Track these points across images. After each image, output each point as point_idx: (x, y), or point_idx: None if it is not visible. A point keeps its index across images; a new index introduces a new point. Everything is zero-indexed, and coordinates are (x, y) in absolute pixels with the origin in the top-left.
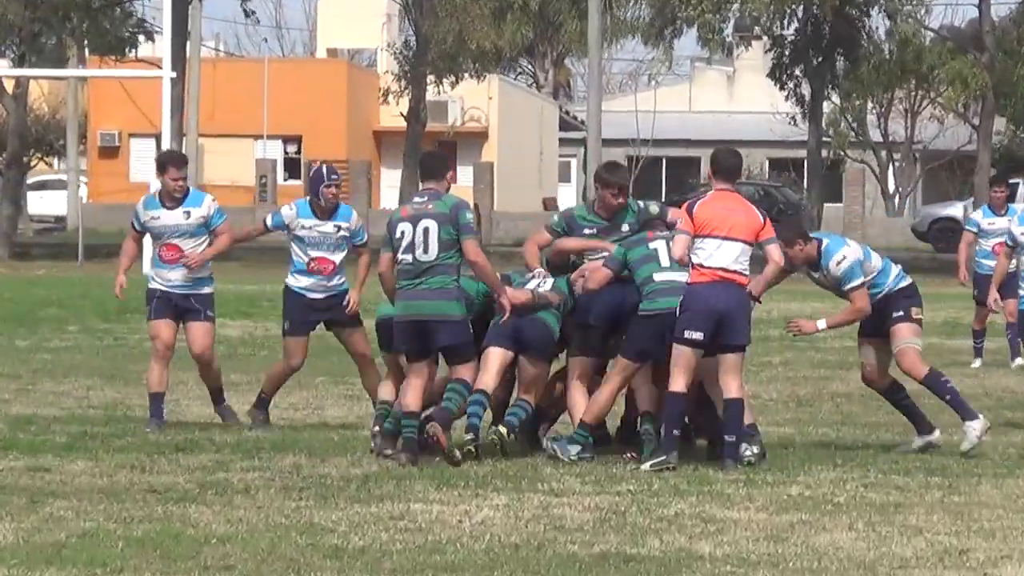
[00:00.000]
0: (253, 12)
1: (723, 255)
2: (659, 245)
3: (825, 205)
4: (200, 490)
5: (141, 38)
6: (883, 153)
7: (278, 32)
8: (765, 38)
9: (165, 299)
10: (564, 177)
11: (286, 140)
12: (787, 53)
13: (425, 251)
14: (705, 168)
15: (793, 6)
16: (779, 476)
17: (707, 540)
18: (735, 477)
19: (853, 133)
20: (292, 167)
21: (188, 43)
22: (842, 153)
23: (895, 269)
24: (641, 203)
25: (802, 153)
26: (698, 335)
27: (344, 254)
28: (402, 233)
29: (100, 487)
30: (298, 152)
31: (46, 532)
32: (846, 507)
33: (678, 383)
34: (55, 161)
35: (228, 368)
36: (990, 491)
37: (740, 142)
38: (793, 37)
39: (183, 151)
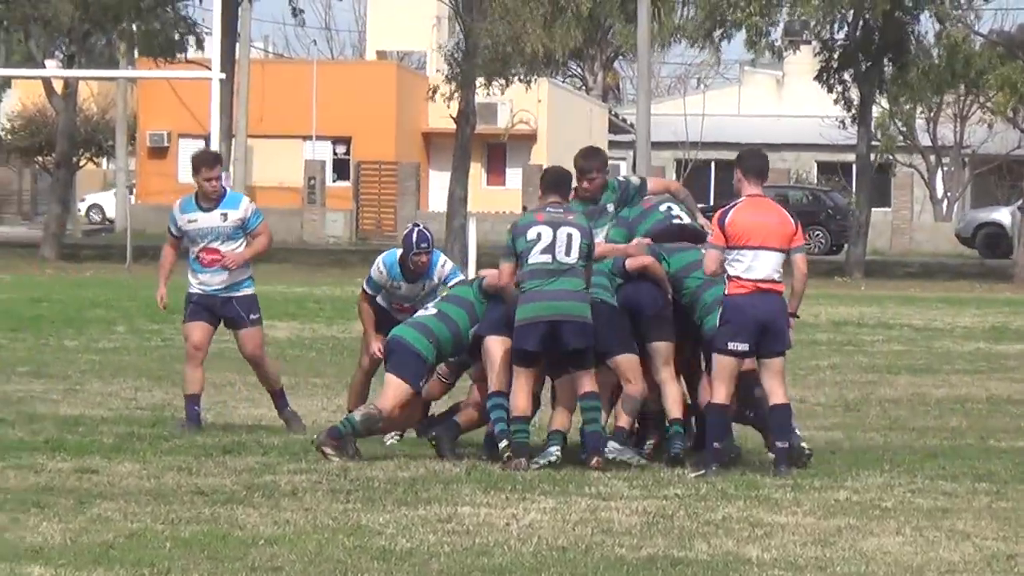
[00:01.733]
0: (302, 11)
1: (761, 266)
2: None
3: (873, 209)
4: (247, 492)
5: (190, 40)
6: (932, 157)
7: (327, 34)
8: (814, 42)
9: (203, 303)
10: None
11: (335, 141)
12: (836, 57)
13: (567, 254)
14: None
15: (843, 11)
16: (827, 481)
17: (755, 544)
18: (783, 482)
19: (902, 137)
20: (341, 168)
21: (237, 44)
22: (891, 157)
23: None
24: (620, 178)
25: (851, 157)
26: (743, 347)
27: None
28: (538, 235)
29: (147, 488)
30: (347, 153)
31: (93, 533)
32: (894, 512)
33: (720, 395)
34: (104, 161)
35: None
36: None
37: (789, 146)
38: (843, 41)
39: (232, 152)
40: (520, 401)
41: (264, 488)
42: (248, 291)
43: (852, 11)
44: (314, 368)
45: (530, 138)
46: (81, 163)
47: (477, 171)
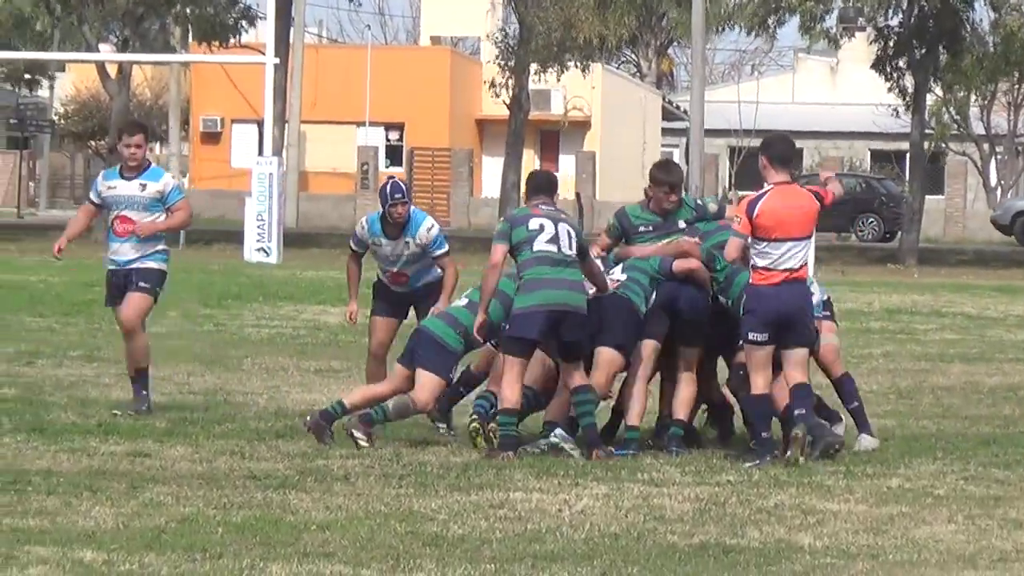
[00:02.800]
0: None
1: (792, 257)
2: None
3: (927, 198)
4: (300, 477)
5: (244, 24)
6: (985, 146)
7: (381, 19)
8: (869, 29)
9: (117, 284)
10: None
11: (388, 127)
12: (891, 45)
13: (569, 247)
14: (808, 159)
15: None
16: (879, 468)
17: (807, 532)
18: (835, 469)
19: (955, 125)
20: (394, 154)
21: (291, 29)
22: (944, 145)
23: None
24: (699, 199)
25: (904, 145)
26: (762, 337)
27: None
28: (540, 226)
29: (200, 473)
30: (400, 140)
31: (146, 517)
32: (946, 500)
33: (758, 385)
34: (157, 146)
35: (328, 355)
36: None
37: (842, 133)
38: (897, 28)
39: (285, 138)
40: (510, 393)
41: (316, 473)
42: (153, 264)
43: None
44: (366, 354)
45: (583, 125)
46: None
47: (530, 157)
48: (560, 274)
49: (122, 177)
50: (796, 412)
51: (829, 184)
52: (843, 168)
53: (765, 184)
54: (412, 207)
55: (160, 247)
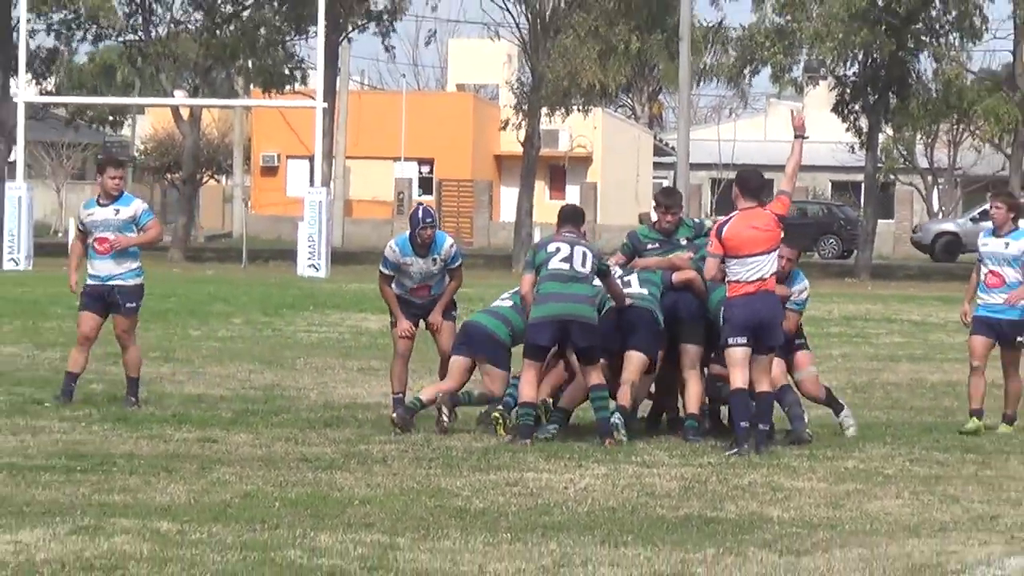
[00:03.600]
0: (393, 47)
1: (759, 269)
2: None
3: (879, 221)
4: (344, 459)
5: (298, 74)
6: (929, 177)
7: (414, 69)
8: (830, 78)
9: (94, 294)
10: None
11: (420, 162)
12: (848, 91)
13: (583, 265)
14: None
15: (854, 51)
16: (837, 452)
17: (776, 506)
18: (800, 452)
19: (903, 160)
20: (425, 185)
21: (338, 78)
22: (893, 177)
23: None
24: (696, 219)
25: (860, 177)
26: (742, 340)
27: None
28: (557, 248)
29: (259, 456)
30: (431, 172)
31: (213, 493)
32: (894, 478)
33: (738, 381)
34: (223, 179)
35: (369, 356)
36: (1018, 466)
37: (807, 167)
38: (853, 77)
39: (332, 171)
40: (527, 390)
41: (359, 456)
42: (132, 281)
43: (862, 51)
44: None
45: (586, 160)
46: (204, 180)
47: (541, 188)
48: (568, 289)
49: (99, 205)
50: (760, 426)
51: (796, 127)
52: (807, 196)
53: (736, 209)
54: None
55: (135, 265)
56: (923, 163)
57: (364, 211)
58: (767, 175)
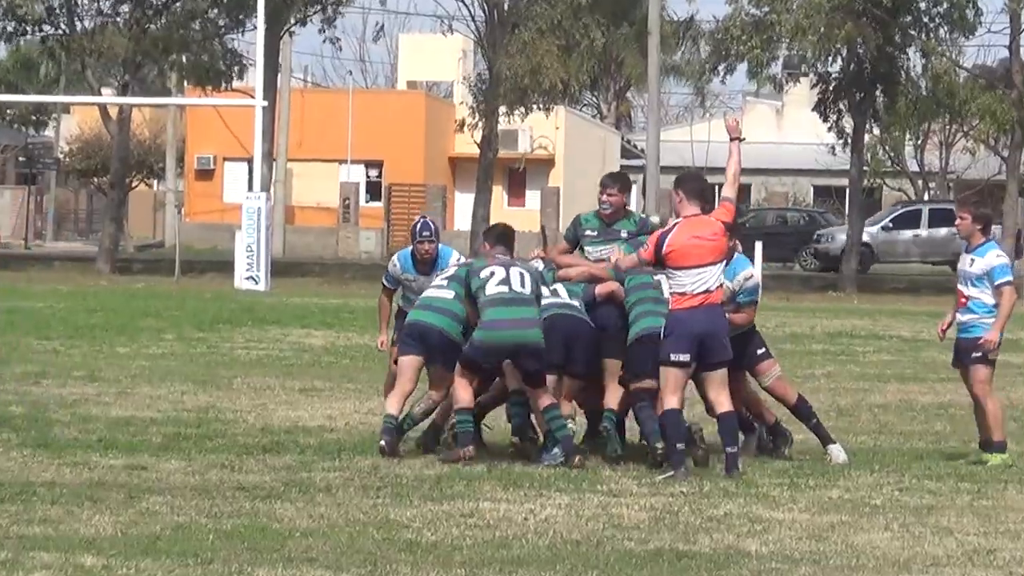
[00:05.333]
0: (338, 40)
1: (705, 281)
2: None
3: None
4: (285, 488)
5: (236, 70)
6: (919, 182)
7: (362, 65)
8: (811, 74)
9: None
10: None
11: (368, 165)
12: (831, 89)
13: (522, 285)
14: (756, 194)
15: (838, 45)
16: (821, 480)
17: (754, 539)
18: (779, 480)
19: (891, 162)
20: (373, 190)
21: (279, 75)
22: (880, 181)
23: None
24: (643, 215)
25: (844, 181)
26: (685, 357)
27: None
28: (491, 273)
29: (192, 484)
30: (379, 176)
31: (142, 525)
32: (883, 509)
33: (672, 401)
34: (155, 183)
35: (312, 375)
36: (1015, 496)
37: (788, 170)
38: (837, 74)
39: (273, 175)
40: (464, 393)
41: (300, 484)
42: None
43: (846, 46)
44: (347, 374)
45: (548, 162)
46: (133, 184)
47: (499, 193)
48: (515, 314)
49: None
50: (727, 450)
51: (730, 129)
52: (788, 202)
53: (678, 216)
54: (440, 244)
55: None
56: (913, 166)
57: (307, 218)
58: (744, 179)
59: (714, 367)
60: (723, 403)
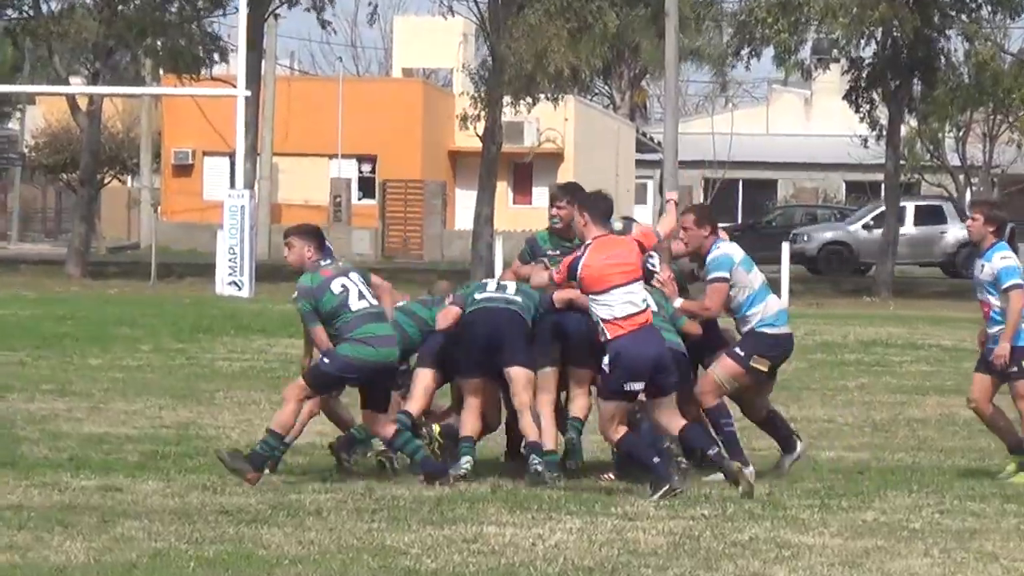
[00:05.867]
0: (329, 23)
1: (628, 302)
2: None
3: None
4: (272, 511)
5: (215, 56)
6: (961, 177)
7: (353, 51)
8: (843, 60)
9: None
10: (640, 199)
11: (361, 159)
12: (864, 76)
13: (373, 296)
14: (783, 191)
15: (871, 28)
16: (854, 501)
17: (781, 565)
18: (810, 502)
19: (930, 156)
20: (366, 187)
21: (263, 61)
22: (918, 176)
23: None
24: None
25: (879, 176)
26: (639, 386)
27: None
28: (343, 287)
29: (171, 507)
30: (373, 172)
31: (117, 552)
32: (922, 533)
33: (620, 431)
34: (128, 179)
35: None
36: None
37: (817, 165)
38: (870, 60)
39: (257, 171)
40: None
41: (288, 508)
42: None
43: (880, 28)
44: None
45: (557, 157)
46: (105, 181)
47: (503, 189)
48: (383, 329)
49: None
50: (709, 454)
51: (667, 208)
52: (818, 199)
53: (585, 240)
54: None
55: None
56: (954, 160)
57: (294, 217)
58: (770, 175)
59: (663, 392)
60: (678, 422)
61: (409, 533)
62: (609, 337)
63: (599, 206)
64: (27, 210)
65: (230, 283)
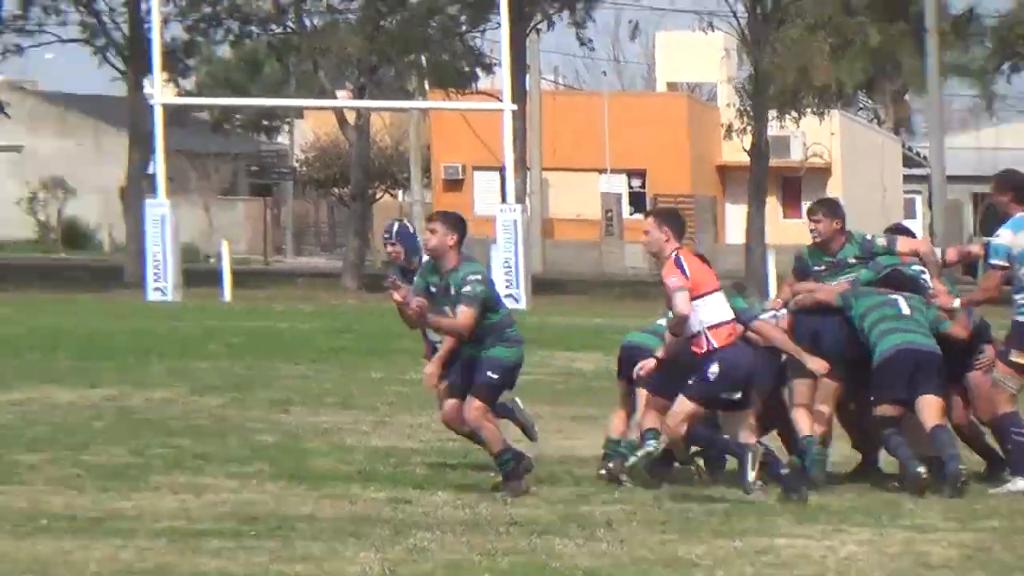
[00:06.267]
0: (590, 40)
1: (724, 308)
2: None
3: None
4: (562, 522)
5: (480, 71)
6: None
7: (616, 66)
8: None
9: None
10: (909, 214)
11: (630, 174)
12: None
13: None
14: None
15: None
16: None
17: None
18: None
19: None
20: (636, 201)
21: (527, 76)
22: None
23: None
24: (868, 235)
25: None
26: (737, 395)
27: None
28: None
29: (462, 519)
30: (643, 186)
31: (412, 563)
32: None
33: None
34: (400, 194)
35: (583, 402)
36: None
37: None
38: None
39: (528, 185)
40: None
41: (578, 519)
42: None
43: None
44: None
45: (824, 171)
46: (376, 195)
47: (773, 204)
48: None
49: None
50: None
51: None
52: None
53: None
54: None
55: None
56: None
57: (567, 231)
58: None
59: (744, 407)
60: (749, 435)
61: (701, 544)
62: (719, 346)
63: (679, 222)
64: (300, 224)
65: (507, 296)
